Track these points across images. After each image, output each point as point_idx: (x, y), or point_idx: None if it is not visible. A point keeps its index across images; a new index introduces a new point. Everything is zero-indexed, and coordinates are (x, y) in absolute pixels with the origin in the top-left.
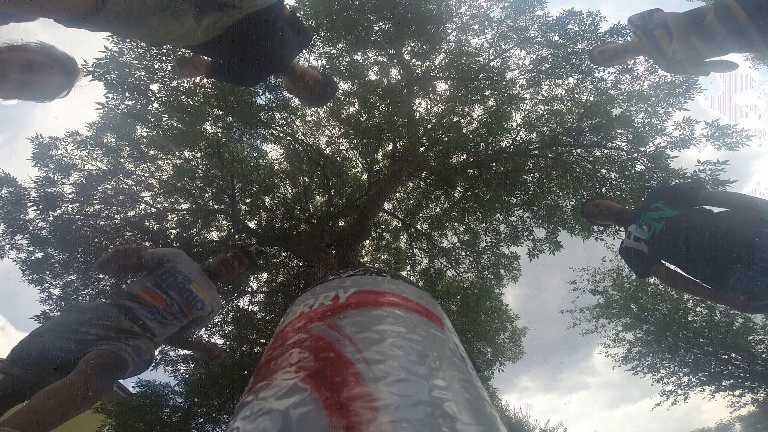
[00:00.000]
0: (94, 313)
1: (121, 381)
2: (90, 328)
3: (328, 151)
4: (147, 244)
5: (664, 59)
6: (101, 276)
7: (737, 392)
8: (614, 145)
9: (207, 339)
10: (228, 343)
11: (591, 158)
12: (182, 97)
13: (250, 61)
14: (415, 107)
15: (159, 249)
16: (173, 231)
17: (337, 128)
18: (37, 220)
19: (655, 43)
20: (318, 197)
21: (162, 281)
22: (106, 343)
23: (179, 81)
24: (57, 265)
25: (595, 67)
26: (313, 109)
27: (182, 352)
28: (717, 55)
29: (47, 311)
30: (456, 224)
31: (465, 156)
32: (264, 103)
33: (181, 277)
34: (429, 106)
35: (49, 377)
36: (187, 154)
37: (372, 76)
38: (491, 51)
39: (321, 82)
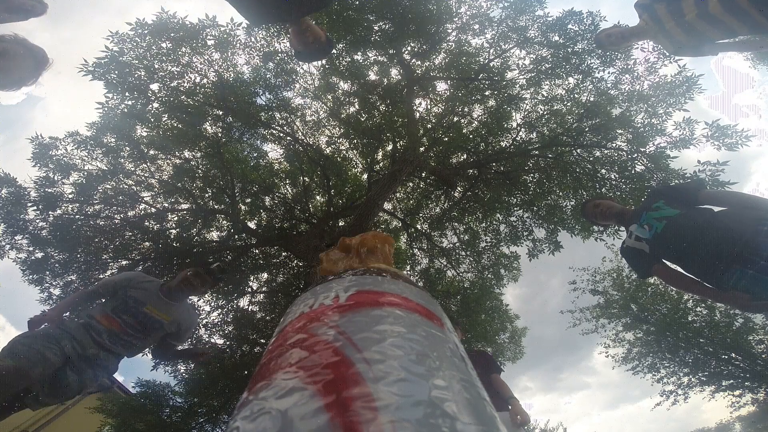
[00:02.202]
0: (72, 333)
1: (121, 381)
2: (67, 344)
3: (328, 151)
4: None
5: (670, 42)
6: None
7: (737, 392)
8: (614, 145)
9: (207, 339)
10: (228, 343)
11: (591, 158)
12: (182, 97)
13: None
14: (415, 107)
15: (112, 278)
16: (173, 231)
17: (337, 128)
18: (37, 220)
19: (660, 25)
20: (318, 197)
21: (116, 307)
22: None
23: (179, 81)
24: (57, 265)
25: (594, 66)
26: (313, 111)
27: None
28: (725, 37)
29: (47, 311)
30: (456, 224)
31: (465, 156)
32: (264, 103)
33: (132, 302)
34: (429, 106)
35: (42, 372)
36: (187, 154)
37: (372, 76)
38: (491, 51)
39: (321, 42)
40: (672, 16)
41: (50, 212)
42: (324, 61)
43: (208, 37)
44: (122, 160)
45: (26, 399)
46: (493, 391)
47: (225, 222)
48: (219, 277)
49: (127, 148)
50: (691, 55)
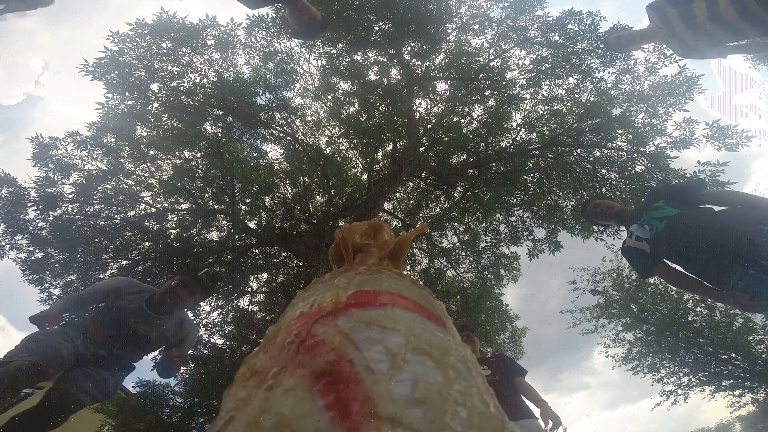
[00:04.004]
0: (84, 333)
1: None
2: (81, 342)
3: (328, 151)
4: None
5: (679, 44)
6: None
7: (737, 392)
8: (614, 145)
9: (207, 339)
10: (228, 343)
11: (591, 158)
12: (182, 97)
13: None
14: (415, 107)
15: (101, 284)
16: (173, 231)
17: (337, 128)
18: (37, 220)
19: (670, 27)
20: (318, 197)
21: (103, 318)
22: (73, 377)
23: (179, 81)
24: (57, 265)
25: (595, 66)
26: (313, 111)
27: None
28: (735, 40)
29: (48, 309)
30: (456, 224)
31: (465, 156)
32: (264, 103)
33: (116, 315)
34: (429, 106)
35: (56, 368)
36: (187, 154)
37: (372, 76)
38: (491, 51)
39: (317, 20)
40: (682, 19)
41: (50, 212)
42: (324, 62)
43: (208, 37)
44: (122, 160)
45: (79, 395)
46: (518, 396)
47: (225, 222)
48: (209, 286)
49: (127, 148)
50: (700, 57)
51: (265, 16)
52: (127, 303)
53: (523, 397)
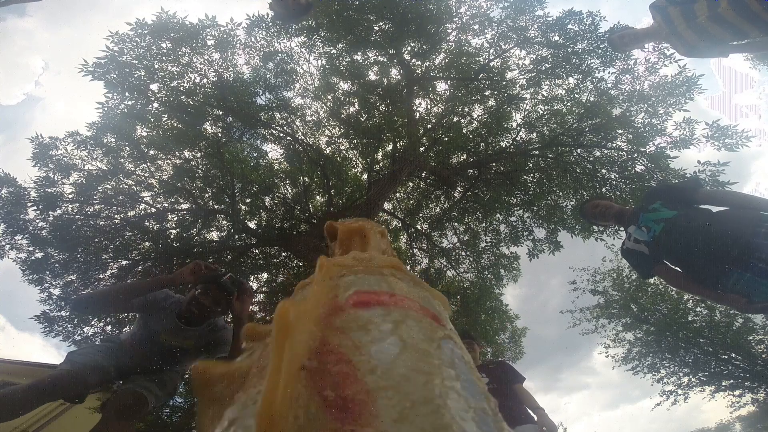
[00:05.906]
0: (122, 349)
1: (120, 382)
2: (122, 357)
3: (328, 151)
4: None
5: (681, 43)
6: (100, 277)
7: (737, 392)
8: (614, 145)
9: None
10: None
11: (591, 158)
12: (182, 97)
13: None
14: (415, 107)
15: (139, 299)
16: (173, 231)
17: (337, 128)
18: (37, 220)
19: (672, 27)
20: (318, 197)
21: (136, 333)
22: (133, 379)
23: (179, 81)
24: (57, 265)
25: (595, 66)
26: (313, 111)
27: None
28: (736, 39)
29: (47, 311)
30: (456, 224)
31: (465, 156)
32: (264, 103)
33: (147, 332)
34: (429, 106)
35: (96, 379)
36: (187, 154)
37: (372, 76)
38: (491, 51)
39: (300, 3)
40: (684, 19)
41: (50, 212)
42: (324, 62)
43: (208, 37)
44: (122, 160)
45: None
46: (517, 402)
47: (225, 222)
48: (234, 291)
49: (127, 148)
50: (701, 56)
51: (265, 16)
52: (157, 318)
53: (523, 404)
